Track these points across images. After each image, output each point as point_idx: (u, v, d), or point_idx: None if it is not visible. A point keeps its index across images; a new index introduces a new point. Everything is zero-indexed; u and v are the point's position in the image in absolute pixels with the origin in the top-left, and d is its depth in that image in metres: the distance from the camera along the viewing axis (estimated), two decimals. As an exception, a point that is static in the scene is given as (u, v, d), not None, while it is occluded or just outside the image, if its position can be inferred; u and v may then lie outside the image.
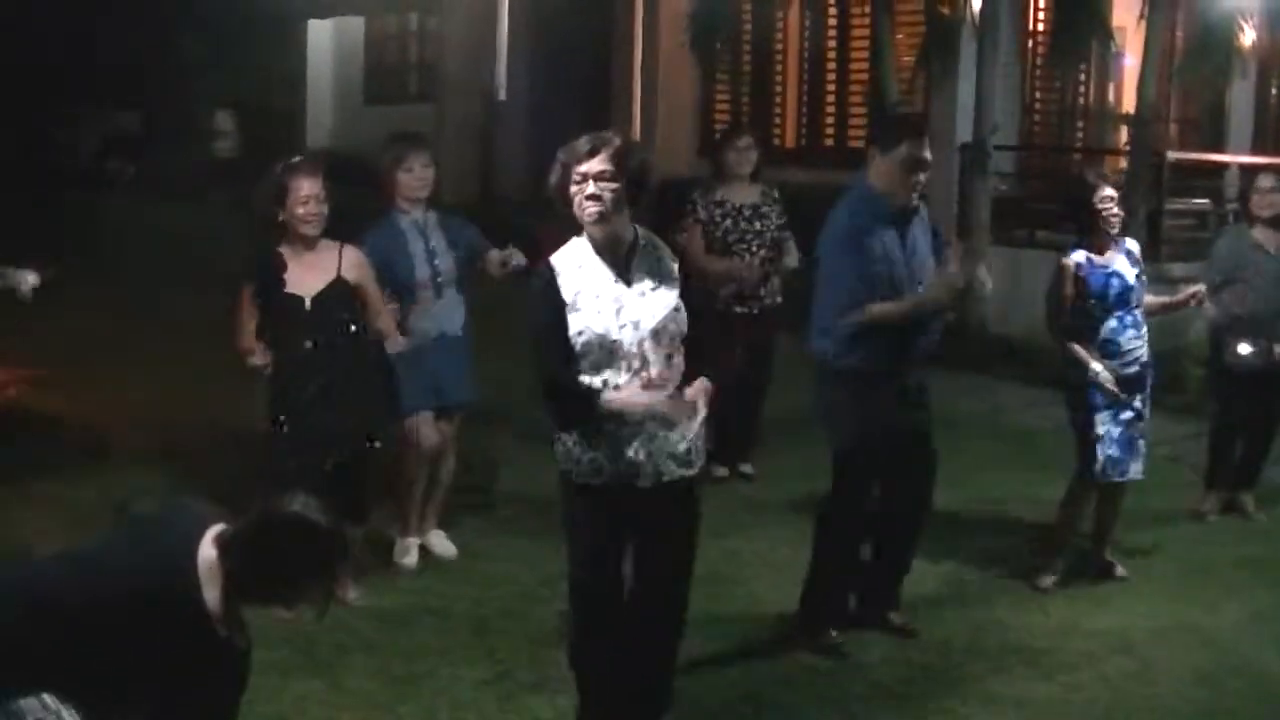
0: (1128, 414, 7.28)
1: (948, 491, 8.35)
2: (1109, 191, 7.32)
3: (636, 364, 5.05)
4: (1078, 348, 7.24)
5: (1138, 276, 7.32)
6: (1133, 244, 7.47)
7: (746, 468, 9.40)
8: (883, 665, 6.43)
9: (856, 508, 6.60)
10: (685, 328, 5.16)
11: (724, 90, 19.01)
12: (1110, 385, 7.16)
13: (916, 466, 6.68)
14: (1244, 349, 8.34)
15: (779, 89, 18.88)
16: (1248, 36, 15.00)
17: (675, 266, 5.20)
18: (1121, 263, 7.30)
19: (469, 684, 6.06)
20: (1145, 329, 7.37)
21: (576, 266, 5.12)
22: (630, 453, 5.09)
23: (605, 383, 5.05)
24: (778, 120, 18.81)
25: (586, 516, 5.25)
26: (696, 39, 15.70)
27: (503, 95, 22.08)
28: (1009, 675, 6.36)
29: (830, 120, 18.21)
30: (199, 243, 15.66)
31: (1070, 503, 7.59)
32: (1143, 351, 7.33)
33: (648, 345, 5.05)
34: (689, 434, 5.15)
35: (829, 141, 17.84)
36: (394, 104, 24.32)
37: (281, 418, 6.68)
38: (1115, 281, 7.25)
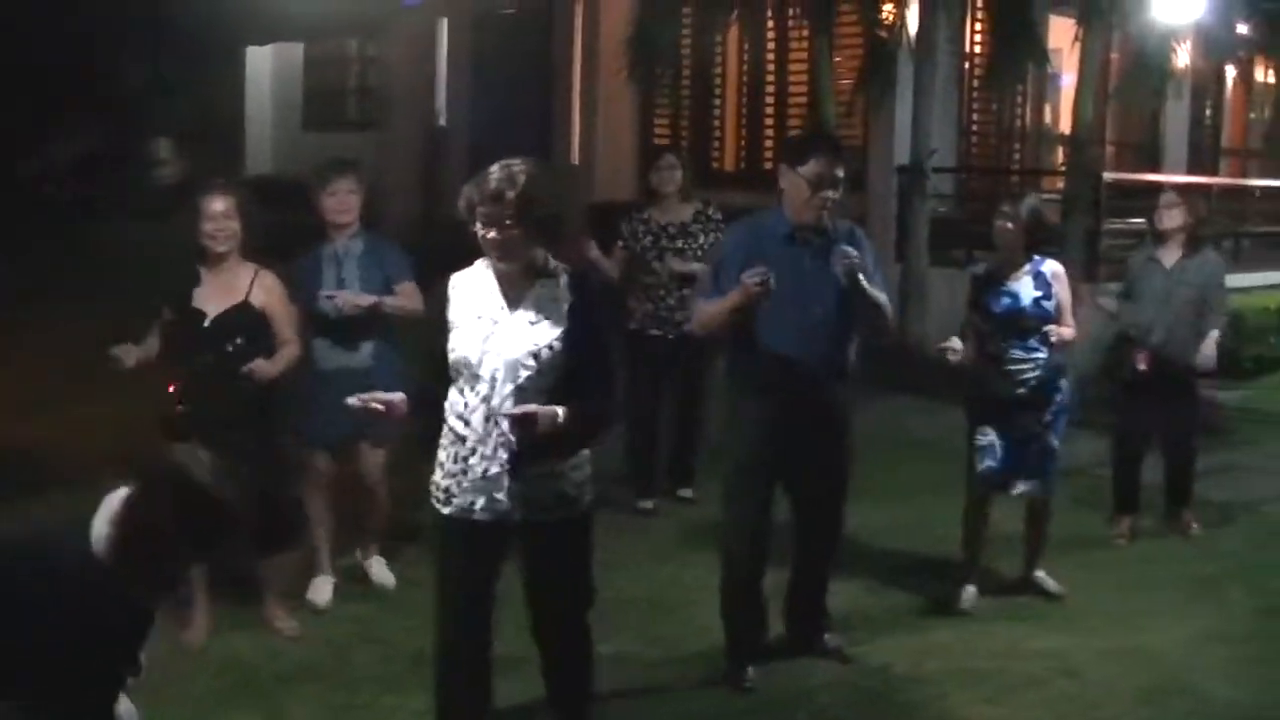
0: (1017, 431, 7.25)
1: (890, 513, 8.41)
2: (1004, 207, 7.34)
3: (486, 390, 4.96)
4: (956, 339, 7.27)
5: (1039, 300, 7.22)
6: (1051, 266, 7.34)
7: (686, 492, 9.30)
8: (825, 690, 6.37)
9: (740, 530, 6.44)
10: (558, 367, 4.96)
11: (664, 114, 19.07)
12: (954, 356, 7.11)
13: (823, 489, 6.55)
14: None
15: (718, 113, 18.93)
16: (1181, 59, 15.13)
17: (567, 307, 5.01)
18: (1024, 284, 7.25)
19: (409, 714, 5.98)
20: (1044, 353, 7.24)
21: (471, 286, 5.09)
22: (472, 487, 5.02)
23: (466, 405, 5.00)
24: (717, 143, 18.85)
25: (441, 543, 5.23)
26: (635, 65, 15.69)
27: (443, 120, 22.06)
28: (951, 699, 6.32)
29: (769, 143, 18.23)
30: (145, 266, 15.52)
31: (966, 515, 7.56)
32: (1035, 375, 7.23)
33: (500, 374, 4.93)
34: (550, 476, 5.01)
35: (768, 165, 17.84)
36: (334, 130, 24.23)
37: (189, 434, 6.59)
38: (1005, 301, 7.24)
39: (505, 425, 4.88)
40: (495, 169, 4.92)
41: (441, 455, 5.12)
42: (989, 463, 7.27)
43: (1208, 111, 20.96)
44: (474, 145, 20.35)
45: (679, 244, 8.94)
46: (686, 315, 8.49)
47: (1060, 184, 15.47)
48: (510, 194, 4.84)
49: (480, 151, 19.85)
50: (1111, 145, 19.07)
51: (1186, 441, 8.90)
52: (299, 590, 7.13)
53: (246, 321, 6.59)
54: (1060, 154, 17.98)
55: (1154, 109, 17.77)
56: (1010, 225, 7.24)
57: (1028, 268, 7.28)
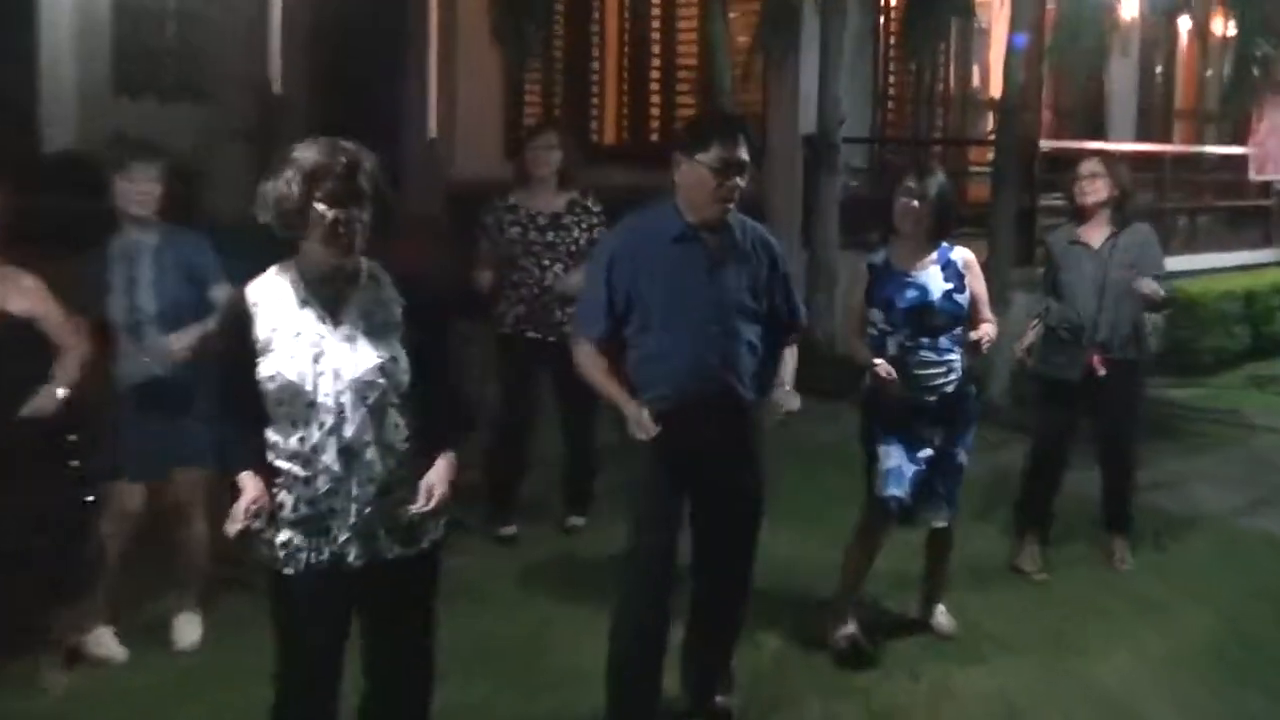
0: (924, 451, 7.09)
1: (798, 530, 8.45)
2: (909, 183, 7.07)
3: (332, 421, 4.83)
4: (855, 341, 7.20)
5: (950, 294, 7.07)
6: (961, 254, 7.19)
7: (577, 520, 9.19)
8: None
9: (642, 564, 6.21)
10: (406, 380, 4.92)
11: (535, 81, 18.95)
12: (884, 375, 6.89)
13: (728, 534, 6.35)
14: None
15: (596, 79, 18.86)
16: (1128, 9, 15.28)
17: (400, 311, 4.96)
18: (932, 274, 7.09)
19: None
20: (957, 355, 7.13)
21: (275, 298, 4.91)
22: (332, 531, 4.91)
23: (302, 440, 4.85)
24: (595, 115, 18.79)
25: (285, 607, 5.06)
26: (501, 22, 15.56)
27: (278, 88, 21.86)
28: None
29: (655, 114, 18.23)
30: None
31: (855, 541, 7.42)
32: (946, 382, 7.10)
33: (347, 400, 4.82)
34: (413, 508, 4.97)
35: (654, 138, 17.84)
36: (150, 96, 23.89)
37: None
38: (911, 294, 7.06)
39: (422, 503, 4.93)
40: (326, 140, 4.83)
41: (275, 504, 4.91)
42: (894, 491, 7.04)
43: (1159, 70, 21.14)
44: (313, 115, 20.19)
45: (549, 237, 8.77)
46: (567, 315, 8.33)
47: (990, 155, 15.55)
48: (367, 164, 4.78)
49: (320, 123, 19.76)
50: (1049, 110, 19.22)
51: (1128, 449, 8.82)
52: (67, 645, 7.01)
53: (7, 336, 6.31)
54: (990, 121, 18.11)
55: (1096, 68, 17.95)
56: (916, 204, 7.01)
57: (935, 256, 7.12)
